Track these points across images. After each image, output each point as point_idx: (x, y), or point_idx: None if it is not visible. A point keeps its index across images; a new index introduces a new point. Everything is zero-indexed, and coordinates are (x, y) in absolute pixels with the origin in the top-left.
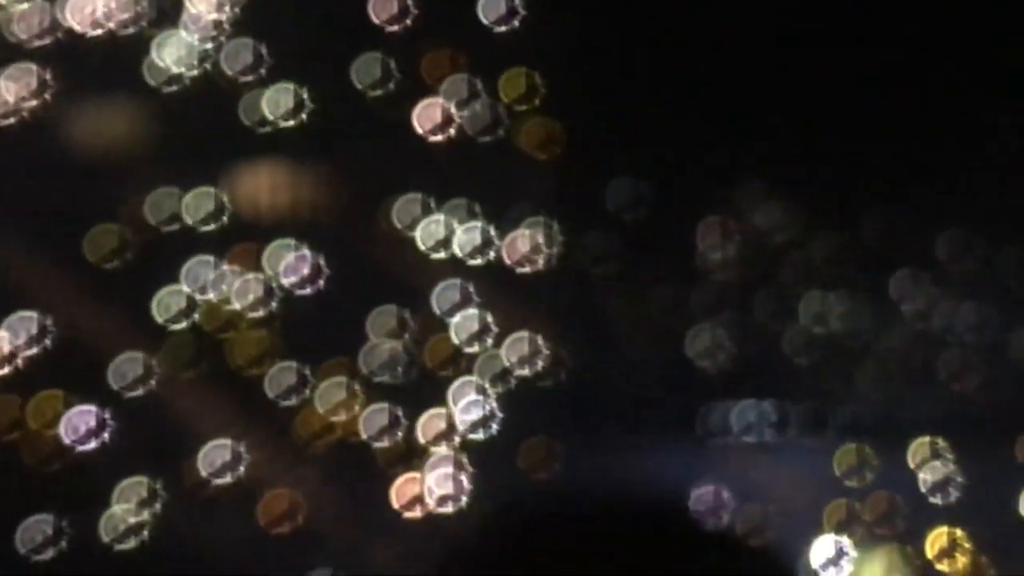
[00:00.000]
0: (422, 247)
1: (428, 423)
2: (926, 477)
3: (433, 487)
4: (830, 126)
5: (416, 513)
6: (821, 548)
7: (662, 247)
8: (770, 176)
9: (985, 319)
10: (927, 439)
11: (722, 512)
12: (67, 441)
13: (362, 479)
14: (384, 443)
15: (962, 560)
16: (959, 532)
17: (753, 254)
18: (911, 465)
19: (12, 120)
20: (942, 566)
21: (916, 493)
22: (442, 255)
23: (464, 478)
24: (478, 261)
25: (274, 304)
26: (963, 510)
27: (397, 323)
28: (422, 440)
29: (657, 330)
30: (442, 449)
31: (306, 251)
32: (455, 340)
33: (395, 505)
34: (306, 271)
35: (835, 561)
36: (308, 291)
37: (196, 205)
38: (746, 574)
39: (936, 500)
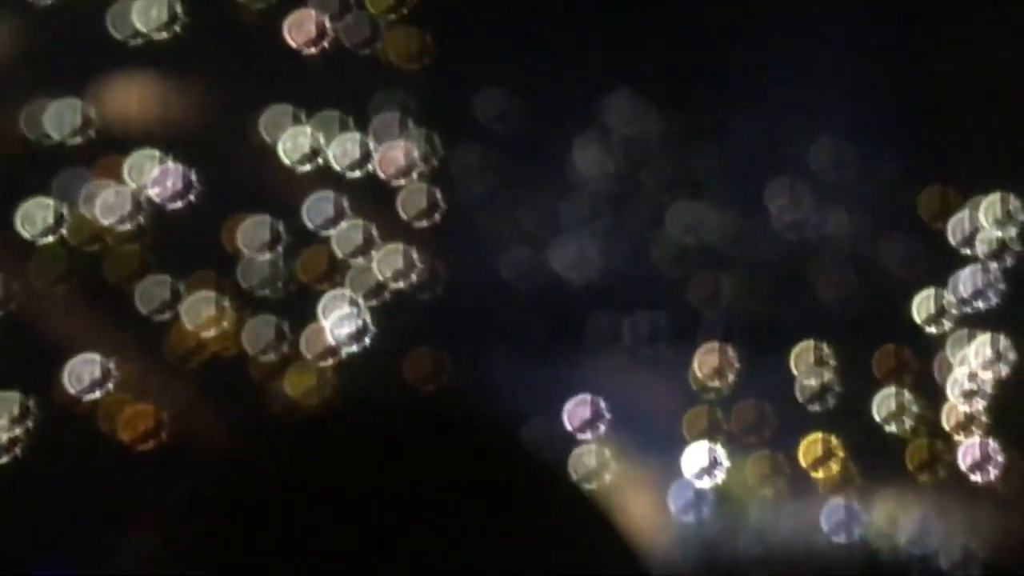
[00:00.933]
0: (290, 160)
1: (308, 337)
2: (803, 383)
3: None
4: (702, 34)
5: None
6: (692, 457)
7: (534, 159)
8: (642, 86)
9: (857, 228)
10: (810, 344)
11: (598, 424)
12: None
13: (237, 394)
14: (261, 358)
15: (835, 467)
16: (833, 439)
17: (625, 164)
18: (793, 371)
19: None
20: (816, 474)
21: (787, 401)
22: (310, 167)
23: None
24: (353, 174)
25: (144, 218)
26: (834, 418)
27: (270, 236)
28: (306, 354)
29: (529, 242)
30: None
31: (176, 164)
32: (328, 254)
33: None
34: (177, 184)
35: (708, 470)
36: (179, 204)
37: (62, 117)
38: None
39: (815, 408)
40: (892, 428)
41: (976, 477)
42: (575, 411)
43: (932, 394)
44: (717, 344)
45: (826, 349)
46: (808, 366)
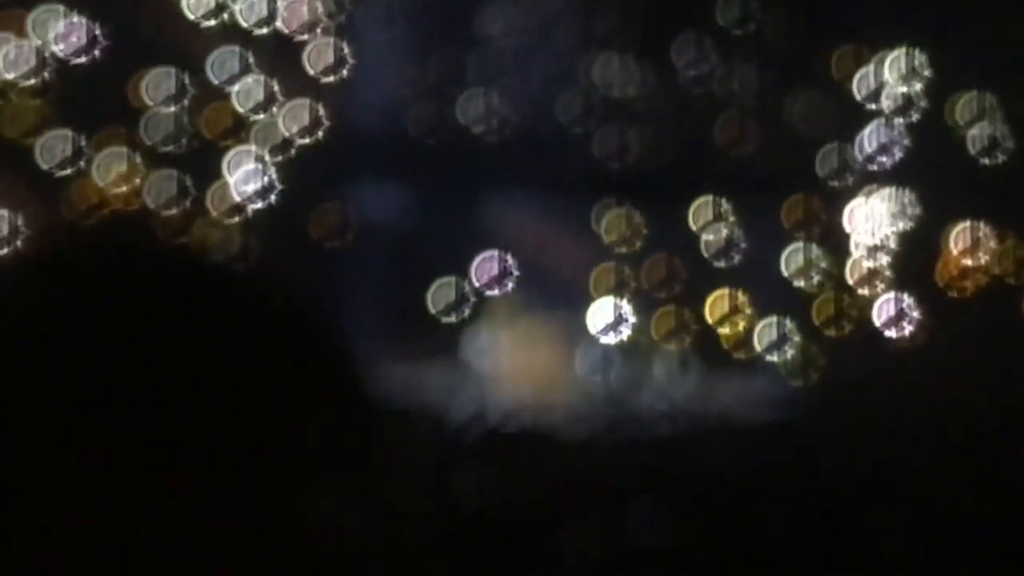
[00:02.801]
0: (194, 15)
1: (214, 193)
2: (708, 239)
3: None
4: None
5: None
6: (599, 311)
7: (441, 14)
8: None
9: (763, 83)
10: (709, 199)
11: (506, 279)
12: None
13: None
14: (167, 212)
15: (740, 323)
16: (740, 295)
17: (532, 19)
18: (692, 227)
19: None
20: (723, 330)
21: (696, 256)
22: (215, 23)
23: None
24: (258, 30)
25: (47, 73)
26: (742, 272)
27: (175, 89)
28: (211, 211)
29: (434, 96)
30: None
31: (81, 19)
32: (233, 109)
33: None
34: (81, 40)
35: (614, 326)
36: (84, 60)
37: None
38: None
39: (720, 264)
40: (800, 283)
41: (891, 332)
42: (482, 266)
43: (837, 249)
44: (613, 199)
45: (725, 204)
46: (707, 221)
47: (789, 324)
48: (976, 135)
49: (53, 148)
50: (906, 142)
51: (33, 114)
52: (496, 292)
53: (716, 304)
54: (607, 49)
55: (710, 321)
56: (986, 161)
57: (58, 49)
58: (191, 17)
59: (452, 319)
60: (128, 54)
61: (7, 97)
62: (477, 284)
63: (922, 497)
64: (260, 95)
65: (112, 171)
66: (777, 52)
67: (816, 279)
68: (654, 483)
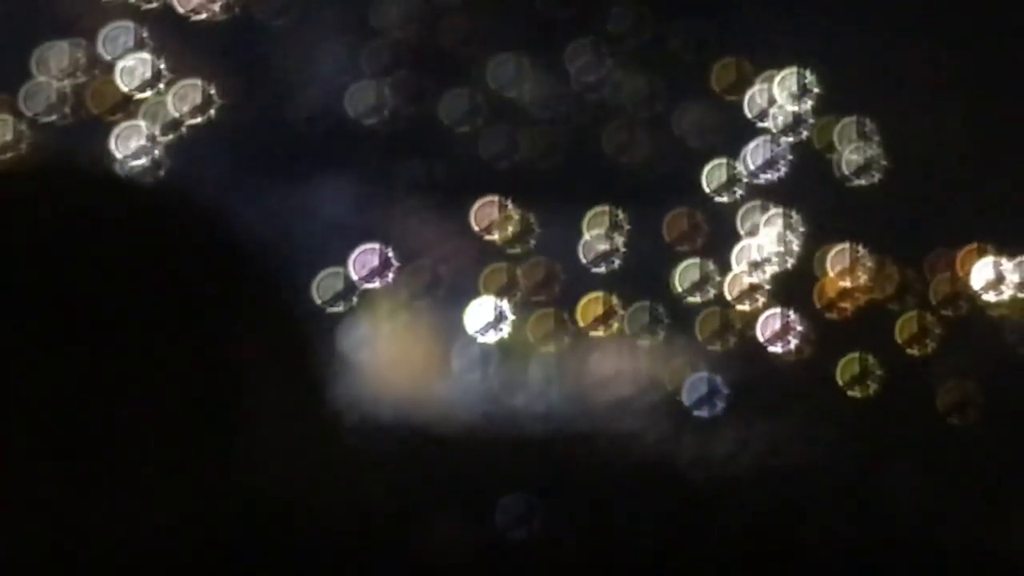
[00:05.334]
0: None
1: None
2: (589, 244)
3: None
4: None
5: None
6: (479, 311)
7: (335, 2)
8: None
9: (654, 91)
10: (599, 209)
11: (386, 272)
12: None
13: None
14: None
15: (614, 326)
16: (613, 299)
17: (426, 14)
18: (584, 234)
19: None
20: (596, 332)
21: (575, 261)
22: None
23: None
24: (150, 5)
25: None
26: (619, 279)
27: (66, 62)
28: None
29: (325, 85)
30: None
31: None
32: (123, 85)
33: None
34: None
35: (494, 325)
36: None
37: None
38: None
39: (599, 269)
40: (682, 292)
41: (775, 348)
42: (361, 258)
43: (719, 263)
44: (496, 199)
45: (620, 214)
46: (598, 229)
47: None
48: (854, 157)
49: None
50: (791, 159)
51: None
52: (376, 284)
53: (589, 307)
54: (500, 48)
55: (582, 324)
56: (862, 182)
57: None
58: None
59: (339, 309)
60: (20, 20)
61: None
62: (355, 276)
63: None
64: (149, 72)
65: (3, 140)
66: (670, 63)
67: (700, 293)
68: (525, 481)
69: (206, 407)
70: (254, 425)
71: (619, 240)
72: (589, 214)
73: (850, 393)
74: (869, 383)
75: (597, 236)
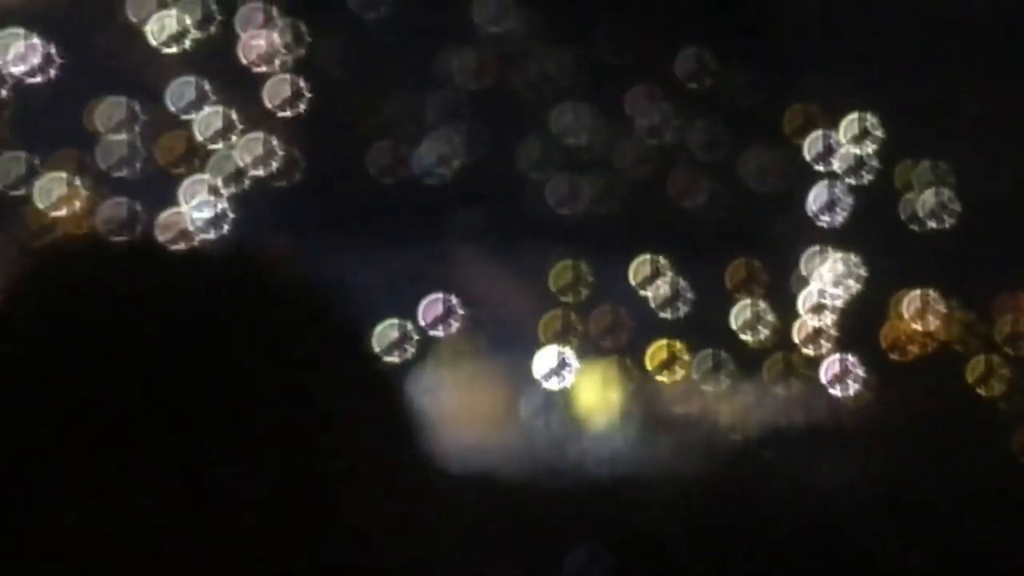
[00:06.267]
0: (156, 41)
1: (162, 221)
2: (652, 291)
3: None
4: None
5: None
6: (543, 359)
7: (401, 50)
8: None
9: (717, 137)
10: (649, 256)
11: (451, 321)
12: None
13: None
14: (117, 239)
15: (680, 372)
16: (679, 344)
17: (491, 64)
18: (632, 281)
19: None
20: (661, 378)
21: (640, 307)
22: (175, 50)
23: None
24: (216, 60)
25: (3, 92)
26: (685, 325)
27: (127, 116)
28: (159, 239)
29: (393, 135)
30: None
31: (39, 40)
32: (188, 137)
33: None
34: (36, 60)
35: (556, 372)
36: (39, 80)
37: None
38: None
39: (665, 315)
40: (747, 337)
41: (835, 391)
42: (429, 308)
43: (784, 308)
44: (560, 247)
45: (663, 260)
46: (647, 276)
47: (739, 376)
48: (923, 201)
49: (6, 168)
50: (851, 201)
51: None
52: (440, 333)
53: (656, 353)
54: (563, 96)
55: (650, 370)
56: (932, 225)
57: (15, 69)
58: (153, 43)
59: (395, 359)
60: (86, 77)
61: None
62: (423, 324)
63: (858, 554)
64: (216, 125)
65: (60, 195)
66: (732, 108)
67: (765, 335)
68: (590, 527)
69: (298, 460)
70: (346, 476)
71: (684, 286)
72: (653, 260)
73: (918, 431)
74: (938, 423)
75: (662, 282)
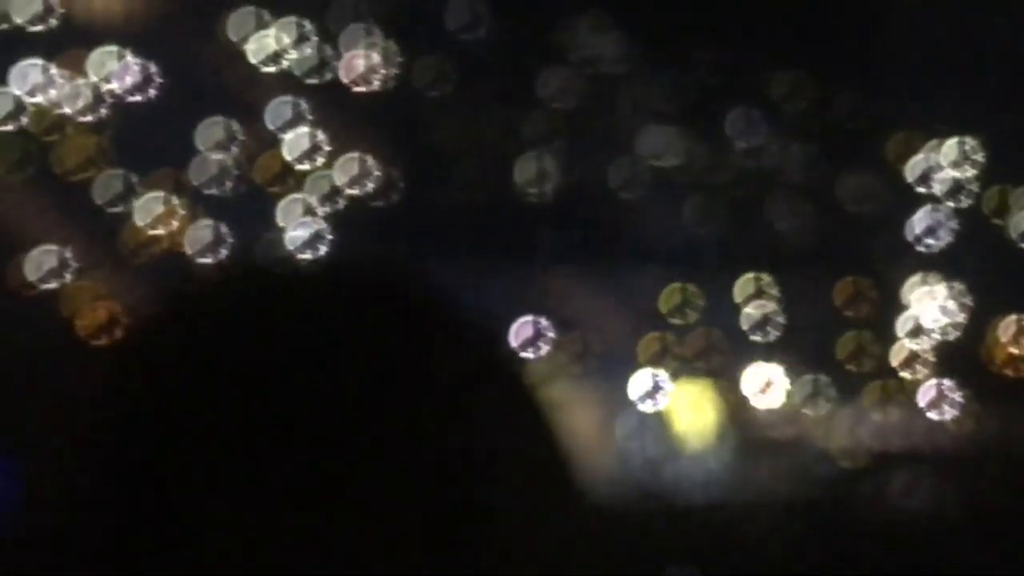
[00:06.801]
0: (254, 60)
1: (260, 241)
2: (749, 313)
3: None
4: None
5: None
6: (639, 381)
7: (498, 71)
8: (611, 8)
9: (816, 159)
10: (752, 276)
11: (540, 343)
12: None
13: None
14: (209, 259)
15: (780, 394)
16: (777, 368)
17: (589, 85)
18: (737, 301)
19: None
20: (759, 401)
21: (737, 329)
22: (273, 69)
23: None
24: (314, 79)
25: (104, 110)
26: (782, 348)
27: (225, 136)
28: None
29: (488, 155)
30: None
31: (138, 59)
32: (286, 157)
33: None
34: (137, 78)
35: (651, 394)
36: (139, 98)
37: (24, 5)
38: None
39: (757, 337)
40: (851, 366)
41: (933, 415)
42: (520, 329)
43: (883, 332)
44: (657, 268)
45: (765, 278)
46: (750, 296)
47: (839, 402)
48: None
49: (106, 186)
50: (954, 226)
51: (87, 150)
52: (531, 355)
53: (752, 376)
54: (661, 117)
55: (745, 393)
56: None
57: (115, 87)
58: (253, 61)
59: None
60: (187, 96)
61: (64, 132)
62: (514, 345)
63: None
64: (313, 145)
65: (158, 213)
66: (830, 130)
67: (866, 361)
68: (686, 550)
69: (452, 484)
70: (498, 500)
71: (780, 309)
72: (751, 282)
73: (1016, 456)
74: None
75: (758, 305)
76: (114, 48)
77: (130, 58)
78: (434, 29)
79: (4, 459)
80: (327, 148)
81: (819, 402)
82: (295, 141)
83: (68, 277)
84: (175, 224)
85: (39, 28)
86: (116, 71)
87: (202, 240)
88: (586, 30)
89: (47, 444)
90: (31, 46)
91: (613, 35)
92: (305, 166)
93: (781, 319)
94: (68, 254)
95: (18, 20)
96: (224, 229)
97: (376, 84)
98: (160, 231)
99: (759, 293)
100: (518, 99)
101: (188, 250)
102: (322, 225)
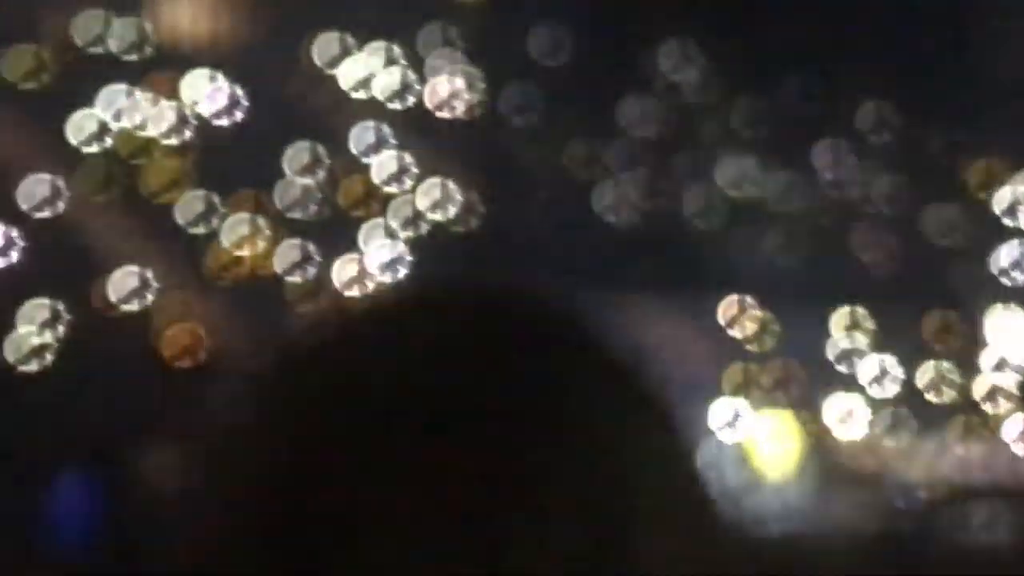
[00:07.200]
0: (343, 86)
1: (339, 264)
2: (837, 345)
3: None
4: None
5: None
6: (718, 411)
7: (582, 100)
8: (695, 37)
9: (900, 191)
10: (847, 309)
11: None
12: None
13: (269, 314)
14: (294, 279)
15: (859, 429)
16: (859, 400)
17: (673, 113)
18: (831, 332)
19: None
20: (839, 432)
21: (818, 360)
22: (362, 95)
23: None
24: (397, 105)
25: (189, 132)
26: (865, 380)
27: (311, 160)
28: (335, 282)
29: (570, 182)
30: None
31: (224, 81)
32: (369, 181)
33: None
34: (223, 101)
35: (731, 423)
36: (225, 121)
37: (121, 33)
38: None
39: (841, 368)
40: (932, 397)
41: (1019, 450)
42: None
43: (967, 365)
44: (739, 297)
45: (860, 311)
46: (843, 328)
47: (920, 434)
48: None
49: (190, 207)
50: None
51: (172, 172)
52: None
53: (833, 407)
54: (747, 148)
55: (829, 426)
56: None
57: (203, 110)
58: (343, 87)
59: None
60: (273, 120)
61: (150, 154)
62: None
63: None
64: (395, 169)
65: (242, 235)
66: (915, 162)
67: (948, 394)
68: None
69: (598, 510)
70: (646, 526)
71: (864, 340)
72: (834, 313)
73: None
74: None
75: (841, 336)
76: (206, 71)
77: (220, 81)
78: (519, 57)
79: (87, 478)
80: (415, 170)
81: (900, 434)
82: (382, 164)
83: (149, 298)
84: (260, 245)
85: (132, 56)
86: (207, 93)
87: (290, 259)
88: (671, 58)
89: (210, 468)
90: (120, 70)
91: (698, 63)
92: (393, 188)
93: (868, 351)
94: (149, 274)
95: (113, 47)
96: (312, 247)
97: (459, 110)
98: (245, 252)
99: (855, 325)
100: (600, 126)
101: (277, 269)
102: (403, 249)
